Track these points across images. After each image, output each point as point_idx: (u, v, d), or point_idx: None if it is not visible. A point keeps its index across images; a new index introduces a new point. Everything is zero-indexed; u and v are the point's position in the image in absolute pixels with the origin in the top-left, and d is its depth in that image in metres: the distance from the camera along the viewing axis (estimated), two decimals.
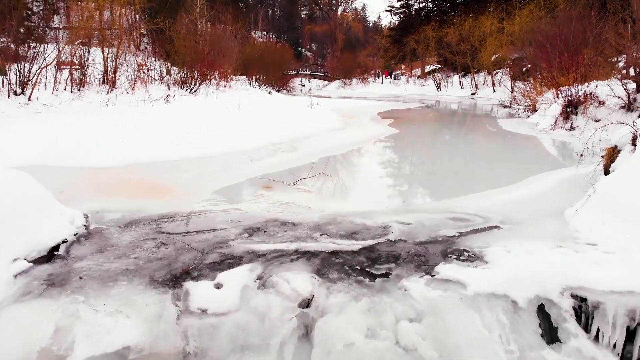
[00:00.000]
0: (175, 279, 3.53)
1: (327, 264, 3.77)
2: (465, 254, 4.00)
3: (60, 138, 8.52)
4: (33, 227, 4.11)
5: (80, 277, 3.62)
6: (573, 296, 3.45)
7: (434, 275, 3.58)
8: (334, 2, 70.93)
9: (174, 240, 4.27)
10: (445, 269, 3.64)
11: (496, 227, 4.72)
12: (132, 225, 4.68)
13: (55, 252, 4.03)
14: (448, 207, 5.46)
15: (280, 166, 7.96)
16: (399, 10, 57.60)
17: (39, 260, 3.87)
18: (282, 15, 75.10)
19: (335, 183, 6.75)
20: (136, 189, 6.11)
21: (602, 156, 6.60)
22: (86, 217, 4.79)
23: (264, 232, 4.51)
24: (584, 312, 3.39)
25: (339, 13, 72.02)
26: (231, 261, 3.81)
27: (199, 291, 3.34)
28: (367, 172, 7.97)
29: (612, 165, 5.97)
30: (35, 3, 28.75)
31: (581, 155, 6.68)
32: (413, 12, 55.10)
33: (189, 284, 3.42)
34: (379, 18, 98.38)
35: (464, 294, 3.34)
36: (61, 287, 3.47)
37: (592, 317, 3.37)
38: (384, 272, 3.66)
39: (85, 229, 4.54)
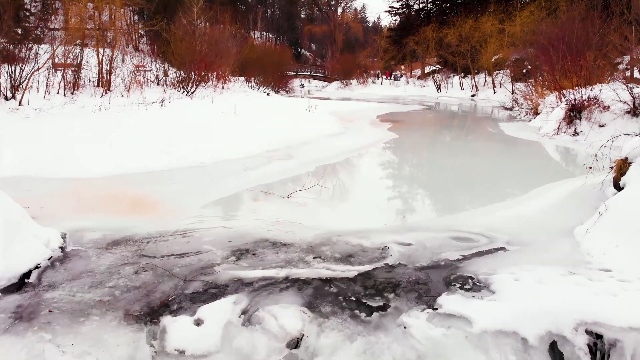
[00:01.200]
0: (152, 313, 3.22)
1: (320, 295, 3.46)
2: (470, 281, 3.70)
3: (47, 146, 8.21)
4: (3, 252, 3.80)
5: (50, 311, 3.32)
6: (588, 332, 3.14)
7: (436, 309, 3.27)
8: (333, 2, 70.63)
9: (155, 264, 3.96)
10: (448, 301, 3.33)
11: (502, 248, 4.41)
12: (112, 247, 4.37)
13: (26, 280, 3.73)
14: (450, 224, 5.15)
15: (274, 176, 7.64)
16: (399, 11, 57.28)
17: (8, 289, 3.57)
18: (281, 16, 74.82)
19: (331, 196, 6.44)
20: (121, 204, 5.79)
21: (611, 167, 6.30)
22: (64, 237, 4.49)
23: (253, 254, 4.20)
24: (599, 349, 3.09)
25: (338, 13, 71.72)
26: (215, 291, 3.51)
27: (177, 328, 3.03)
28: (365, 183, 7.66)
29: (623, 178, 5.66)
30: (33, 3, 28.47)
31: (590, 167, 6.37)
32: (413, 13, 54.75)
33: (166, 320, 3.11)
34: (378, 18, 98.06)
35: (469, 331, 3.03)
36: (29, 322, 3.17)
37: (609, 356, 3.07)
38: (381, 304, 3.35)
39: (62, 251, 4.23)
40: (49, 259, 4.04)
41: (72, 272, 3.87)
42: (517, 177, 8.07)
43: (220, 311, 3.18)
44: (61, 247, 4.28)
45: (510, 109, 21.98)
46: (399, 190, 7.15)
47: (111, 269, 3.90)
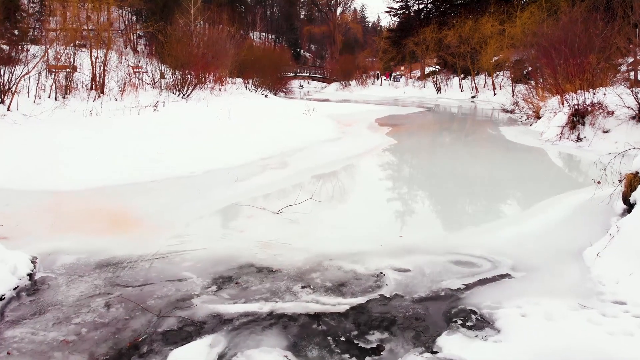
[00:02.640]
0: (119, 357, 2.90)
1: (307, 334, 3.13)
2: (473, 317, 3.37)
3: (31, 155, 7.88)
4: None
5: (9, 353, 3.00)
6: None
7: (435, 352, 2.94)
8: (332, 2, 70.19)
9: (129, 295, 3.64)
10: (449, 343, 3.01)
11: (507, 275, 4.09)
12: (85, 274, 4.04)
13: None
14: (451, 244, 4.82)
15: (266, 188, 7.31)
16: (398, 12, 56.91)
17: None
18: (280, 16, 74.40)
19: (324, 211, 6.10)
20: (101, 221, 5.46)
21: (620, 180, 5.98)
22: (34, 261, 4.15)
23: (236, 283, 3.87)
24: None
25: (337, 14, 71.31)
26: (190, 329, 3.18)
27: None
28: (361, 196, 7.29)
29: (633, 194, 5.33)
30: (31, 4, 28.13)
31: (598, 182, 6.05)
32: (412, 14, 54.38)
33: None
34: (378, 19, 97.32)
35: None
36: None
37: None
38: (375, 346, 3.03)
39: (30, 279, 3.90)
40: (14, 289, 3.71)
41: (38, 304, 3.54)
42: (521, 188, 7.75)
43: (194, 355, 2.86)
44: (30, 274, 3.94)
45: (512, 112, 21.64)
46: (395, 204, 6.82)
47: (81, 301, 3.57)
